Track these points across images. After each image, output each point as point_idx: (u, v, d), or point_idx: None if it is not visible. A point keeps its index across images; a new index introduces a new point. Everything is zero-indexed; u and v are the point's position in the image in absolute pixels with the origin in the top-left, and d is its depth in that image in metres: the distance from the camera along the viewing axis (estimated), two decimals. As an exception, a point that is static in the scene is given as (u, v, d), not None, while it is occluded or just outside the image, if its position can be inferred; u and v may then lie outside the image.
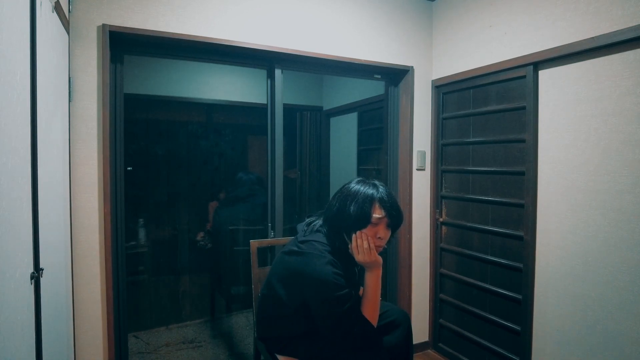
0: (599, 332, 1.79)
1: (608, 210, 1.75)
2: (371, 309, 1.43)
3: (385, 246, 1.48)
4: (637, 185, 1.65)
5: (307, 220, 1.59)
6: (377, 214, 1.38)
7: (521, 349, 2.13)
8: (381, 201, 1.39)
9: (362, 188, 1.42)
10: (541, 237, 2.05)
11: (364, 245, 1.39)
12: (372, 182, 1.45)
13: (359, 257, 1.41)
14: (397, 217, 1.42)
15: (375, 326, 1.44)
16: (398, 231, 1.52)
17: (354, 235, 1.40)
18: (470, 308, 2.46)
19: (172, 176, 3.50)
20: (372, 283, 1.44)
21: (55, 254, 1.45)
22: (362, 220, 1.38)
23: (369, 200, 1.38)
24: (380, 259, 1.44)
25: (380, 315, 1.59)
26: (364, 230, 1.39)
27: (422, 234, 2.73)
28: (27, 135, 1.08)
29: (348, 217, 1.39)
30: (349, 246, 1.43)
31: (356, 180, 1.48)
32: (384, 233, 1.41)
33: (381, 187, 1.44)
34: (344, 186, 1.48)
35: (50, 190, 1.37)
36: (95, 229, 1.87)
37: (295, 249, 1.45)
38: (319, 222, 1.52)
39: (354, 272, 1.55)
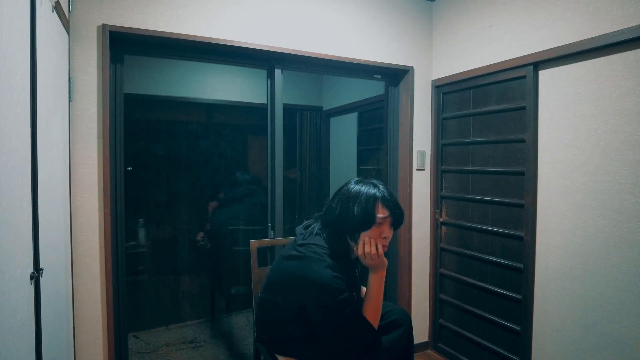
0: (599, 332, 1.79)
1: (608, 210, 1.75)
2: (373, 311, 1.42)
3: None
4: (637, 185, 1.65)
5: (305, 223, 1.57)
6: (382, 213, 1.36)
7: (521, 349, 2.13)
8: (384, 200, 1.37)
9: (363, 188, 1.39)
10: (541, 237, 2.05)
11: (372, 252, 1.37)
12: (371, 181, 1.43)
13: (367, 261, 1.40)
14: (400, 215, 1.41)
15: (377, 328, 1.43)
16: (398, 230, 1.53)
17: (361, 242, 1.39)
18: (470, 308, 2.46)
19: (172, 176, 3.50)
20: (376, 284, 1.43)
21: (55, 254, 1.45)
22: (367, 221, 1.36)
23: (372, 200, 1.36)
24: (386, 260, 1.43)
25: (382, 316, 1.60)
26: (369, 232, 1.37)
27: (422, 234, 2.73)
28: (27, 135, 1.08)
29: (352, 218, 1.37)
30: (354, 249, 1.41)
31: (355, 180, 1.45)
32: (388, 232, 1.40)
33: (381, 186, 1.42)
34: (342, 187, 1.45)
35: (50, 190, 1.37)
36: (95, 229, 1.87)
37: (295, 253, 1.43)
38: (318, 225, 1.50)
39: (354, 275, 1.54)
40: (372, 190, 1.38)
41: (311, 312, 1.38)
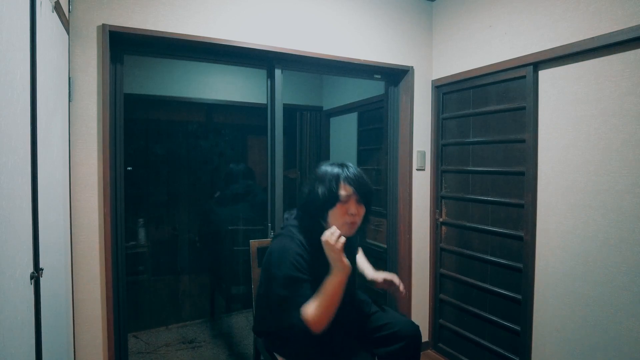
0: (599, 332, 1.79)
1: (608, 210, 1.75)
2: (317, 309, 1.32)
3: (376, 227, 1.55)
4: (637, 185, 1.65)
5: (291, 210, 1.64)
6: (345, 190, 1.42)
7: (521, 349, 2.13)
8: (346, 179, 1.43)
9: (329, 169, 1.47)
10: (541, 237, 2.05)
11: (329, 241, 1.34)
12: (339, 162, 1.50)
13: (326, 251, 1.37)
14: (365, 191, 1.44)
15: (319, 329, 1.33)
16: (370, 206, 1.51)
17: (328, 230, 1.38)
18: (470, 308, 2.46)
19: (172, 176, 3.50)
20: (330, 286, 1.34)
21: (55, 254, 1.45)
22: (331, 199, 1.42)
23: (335, 179, 1.43)
24: (348, 264, 1.36)
25: (381, 326, 1.58)
26: (335, 209, 1.42)
27: (422, 234, 2.72)
28: (27, 135, 1.08)
29: (318, 198, 1.43)
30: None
31: (325, 163, 1.52)
32: (355, 209, 1.43)
33: (348, 166, 1.48)
34: (314, 171, 1.53)
35: (50, 190, 1.37)
36: (95, 229, 1.87)
37: (275, 234, 1.53)
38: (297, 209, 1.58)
39: (326, 262, 1.43)
40: (336, 170, 1.45)
41: (264, 281, 1.45)
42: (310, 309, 1.33)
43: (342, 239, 1.35)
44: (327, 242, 1.35)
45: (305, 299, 1.35)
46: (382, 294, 2.85)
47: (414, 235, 2.69)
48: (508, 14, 2.19)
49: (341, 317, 1.42)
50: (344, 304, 1.41)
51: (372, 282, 1.69)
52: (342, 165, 1.47)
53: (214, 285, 3.56)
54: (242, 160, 3.82)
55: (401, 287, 1.64)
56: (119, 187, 1.98)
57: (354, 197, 1.43)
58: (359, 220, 1.46)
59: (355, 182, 1.43)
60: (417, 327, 1.62)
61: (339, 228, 1.40)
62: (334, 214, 1.43)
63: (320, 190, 1.43)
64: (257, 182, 3.46)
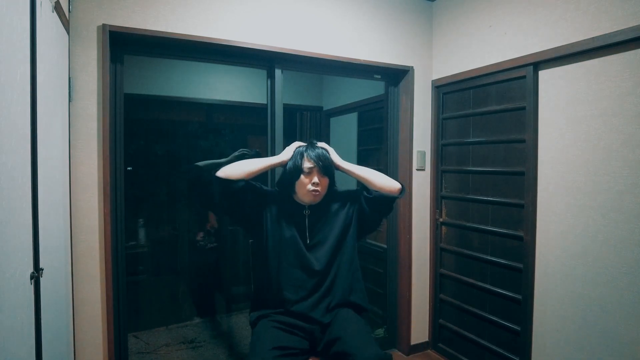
0: (599, 332, 1.79)
1: (608, 210, 1.75)
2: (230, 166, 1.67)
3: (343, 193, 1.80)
4: (637, 185, 1.65)
5: None
6: (307, 163, 1.66)
7: (521, 349, 2.13)
8: (309, 155, 1.67)
9: (298, 148, 1.73)
10: (541, 237, 2.05)
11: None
12: (309, 141, 1.75)
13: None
14: (325, 164, 1.68)
15: (221, 174, 1.62)
16: (331, 176, 1.73)
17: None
18: (470, 308, 2.46)
19: (172, 176, 3.50)
20: (255, 160, 1.71)
21: (55, 253, 1.45)
22: (296, 171, 1.67)
23: (300, 154, 1.69)
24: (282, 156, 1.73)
25: (332, 341, 1.51)
26: (301, 179, 1.66)
27: (422, 234, 2.72)
28: (27, 135, 1.08)
29: (286, 171, 1.71)
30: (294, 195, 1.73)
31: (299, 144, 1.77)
32: (319, 179, 1.67)
33: (315, 144, 1.73)
34: None
35: (50, 190, 1.37)
36: (95, 229, 1.87)
37: None
38: None
39: (301, 215, 1.72)
40: (302, 148, 1.71)
41: None
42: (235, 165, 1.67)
43: (298, 147, 1.73)
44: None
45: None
46: (382, 294, 2.85)
47: (414, 235, 2.69)
48: (508, 14, 2.19)
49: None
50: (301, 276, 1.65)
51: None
52: (308, 144, 1.73)
53: (214, 285, 3.55)
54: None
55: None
56: (119, 187, 1.98)
57: (316, 169, 1.66)
58: (322, 189, 1.68)
59: (316, 157, 1.66)
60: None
61: (304, 196, 1.68)
62: (299, 184, 1.67)
63: (288, 164, 1.70)
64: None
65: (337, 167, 1.76)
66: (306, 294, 1.64)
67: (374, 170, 1.81)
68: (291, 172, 1.68)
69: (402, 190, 1.75)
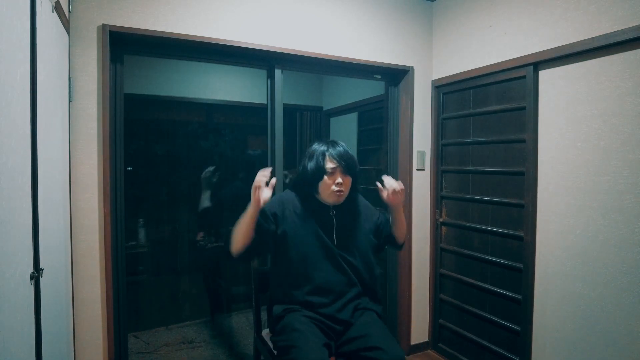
0: (599, 332, 1.79)
1: (608, 211, 1.75)
2: (233, 233, 1.54)
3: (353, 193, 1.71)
4: (637, 185, 1.65)
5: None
6: (331, 163, 1.61)
7: (521, 349, 2.13)
8: (332, 154, 1.61)
9: (317, 147, 1.66)
10: (541, 237, 2.05)
11: (256, 180, 1.49)
12: (327, 140, 1.68)
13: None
14: (349, 164, 1.62)
15: (232, 250, 1.55)
16: (355, 176, 1.68)
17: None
18: (470, 308, 2.46)
19: (172, 176, 3.50)
20: (243, 216, 1.53)
21: (55, 253, 1.45)
22: (319, 172, 1.61)
23: (322, 155, 1.62)
24: (255, 201, 1.48)
25: (359, 338, 1.52)
26: (324, 180, 1.61)
27: (422, 234, 2.72)
28: (27, 135, 1.08)
29: (307, 172, 1.64)
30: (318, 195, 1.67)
31: (315, 142, 1.70)
32: (342, 179, 1.61)
33: (336, 143, 1.66)
34: (306, 150, 1.72)
35: (50, 190, 1.37)
36: (95, 229, 1.87)
37: None
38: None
39: (328, 215, 1.67)
40: (323, 147, 1.64)
41: None
42: (234, 233, 1.56)
43: (260, 182, 1.47)
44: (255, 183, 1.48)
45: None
46: (382, 294, 2.85)
47: (414, 235, 2.69)
48: (508, 14, 2.19)
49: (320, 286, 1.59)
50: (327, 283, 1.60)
51: (388, 203, 1.70)
52: (328, 143, 1.66)
53: (214, 285, 3.55)
54: (241, 160, 3.82)
55: (395, 186, 1.66)
56: (119, 187, 1.98)
57: (339, 168, 1.61)
58: (346, 189, 1.63)
59: (339, 156, 1.61)
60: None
61: (328, 197, 1.63)
62: (323, 185, 1.62)
63: (309, 165, 1.63)
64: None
65: (397, 205, 1.68)
66: (335, 297, 1.59)
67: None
68: (313, 173, 1.62)
69: (403, 244, 1.85)
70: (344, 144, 1.68)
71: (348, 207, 1.70)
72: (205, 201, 3.24)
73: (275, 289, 1.70)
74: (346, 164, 1.61)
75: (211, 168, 3.27)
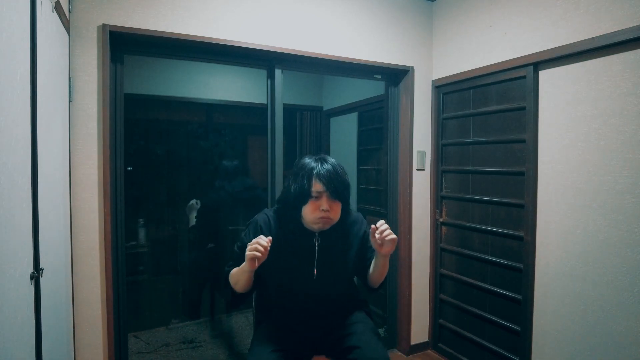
0: (599, 332, 1.79)
1: (608, 211, 1.75)
2: (231, 279, 1.47)
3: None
4: (637, 185, 1.65)
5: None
6: (317, 188, 1.39)
7: (521, 349, 2.13)
8: (319, 176, 1.40)
9: (306, 164, 1.44)
10: (541, 237, 2.05)
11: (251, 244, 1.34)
12: (318, 157, 1.47)
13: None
14: (337, 188, 1.40)
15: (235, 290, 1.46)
16: (346, 200, 1.49)
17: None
18: (470, 308, 2.46)
19: (172, 176, 3.50)
20: (238, 269, 1.43)
21: (55, 253, 1.45)
22: (303, 196, 1.41)
23: (308, 175, 1.40)
24: (249, 262, 1.31)
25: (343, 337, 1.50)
26: (308, 205, 1.41)
27: (422, 234, 2.72)
28: (27, 135, 1.08)
29: (291, 193, 1.44)
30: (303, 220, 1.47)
31: (307, 156, 1.49)
32: (327, 205, 1.40)
33: (325, 161, 1.44)
34: (295, 163, 1.52)
35: (50, 190, 1.37)
36: (95, 229, 1.87)
37: None
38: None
39: (311, 244, 1.50)
40: (312, 165, 1.42)
41: None
42: (230, 276, 1.47)
43: (255, 252, 1.30)
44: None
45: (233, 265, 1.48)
46: (382, 294, 2.85)
47: (414, 235, 2.69)
48: (508, 14, 2.19)
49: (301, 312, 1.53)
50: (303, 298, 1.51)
51: (375, 248, 1.46)
52: (318, 160, 1.44)
53: (214, 285, 3.55)
54: (242, 159, 3.82)
55: (379, 226, 1.40)
56: (119, 187, 1.98)
57: (326, 193, 1.39)
58: (333, 215, 1.43)
59: (327, 179, 1.39)
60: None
61: (312, 223, 1.43)
62: (306, 210, 1.42)
63: (294, 187, 1.43)
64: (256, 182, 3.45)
65: (386, 255, 1.42)
66: (309, 321, 1.54)
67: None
68: (297, 195, 1.42)
69: (376, 290, 1.60)
70: (334, 162, 1.46)
71: (335, 234, 1.51)
72: (193, 220, 3.40)
73: (257, 299, 1.70)
74: (335, 188, 1.40)
75: (194, 200, 3.38)
